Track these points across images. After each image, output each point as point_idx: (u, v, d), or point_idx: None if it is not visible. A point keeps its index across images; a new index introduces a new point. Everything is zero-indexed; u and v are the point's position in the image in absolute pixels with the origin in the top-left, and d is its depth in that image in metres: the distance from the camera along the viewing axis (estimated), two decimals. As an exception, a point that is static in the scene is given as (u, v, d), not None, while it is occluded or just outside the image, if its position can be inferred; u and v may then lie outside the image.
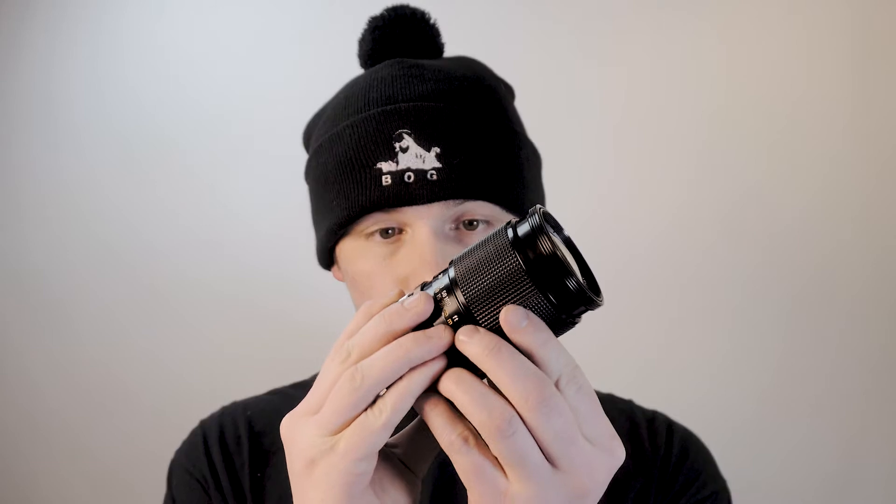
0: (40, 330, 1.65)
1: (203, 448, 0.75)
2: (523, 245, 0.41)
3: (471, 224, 0.64)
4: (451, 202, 0.62)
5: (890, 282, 1.45)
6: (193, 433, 0.79)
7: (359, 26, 0.76)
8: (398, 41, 0.72)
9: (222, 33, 1.63)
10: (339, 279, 0.73)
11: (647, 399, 0.84)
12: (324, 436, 0.42)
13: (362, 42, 0.75)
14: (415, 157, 0.62)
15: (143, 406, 1.62)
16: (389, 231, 0.63)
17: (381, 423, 0.41)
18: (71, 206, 1.64)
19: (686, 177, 1.50)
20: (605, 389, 0.81)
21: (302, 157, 0.79)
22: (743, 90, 1.49)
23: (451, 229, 0.63)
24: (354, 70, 0.78)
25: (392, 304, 0.44)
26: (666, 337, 1.50)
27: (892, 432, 1.45)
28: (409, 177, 0.61)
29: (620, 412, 0.77)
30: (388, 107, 0.64)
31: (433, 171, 0.61)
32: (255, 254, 1.60)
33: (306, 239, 0.79)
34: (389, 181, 0.61)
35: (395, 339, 0.42)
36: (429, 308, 0.42)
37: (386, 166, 0.62)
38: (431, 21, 0.74)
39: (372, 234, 0.64)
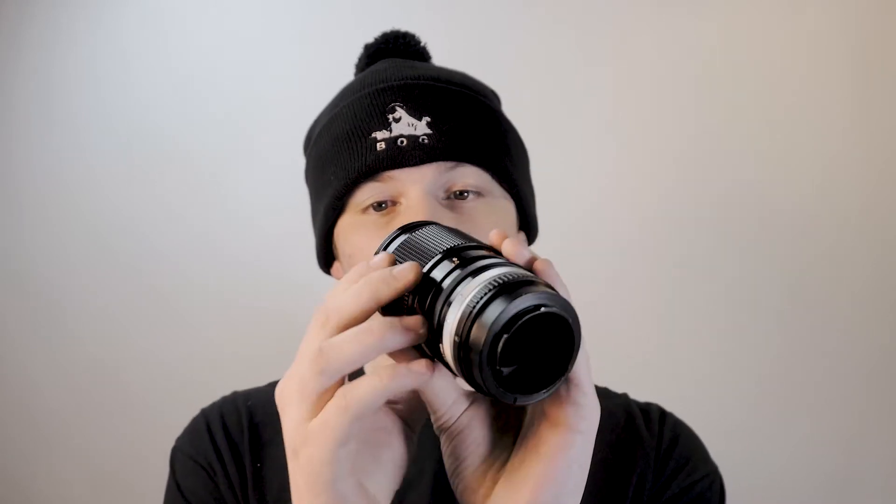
0: (40, 330, 1.65)
1: (207, 435, 0.75)
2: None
3: (461, 194, 0.67)
4: (442, 165, 0.66)
5: (889, 279, 1.45)
6: (195, 421, 0.79)
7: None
8: (390, 55, 0.78)
9: (223, 32, 1.63)
10: (339, 279, 0.74)
11: (645, 398, 0.84)
12: (301, 422, 0.42)
13: (358, 63, 0.81)
14: (407, 125, 0.66)
15: (144, 406, 1.62)
16: (384, 205, 0.66)
17: (348, 419, 0.41)
18: (71, 206, 1.65)
19: (684, 175, 1.50)
20: (601, 384, 0.81)
21: (303, 155, 0.80)
22: (741, 88, 1.49)
23: (443, 198, 0.66)
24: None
25: (382, 268, 0.44)
26: (663, 335, 1.50)
27: (892, 432, 1.45)
28: (401, 142, 0.65)
29: (617, 405, 0.78)
30: (381, 85, 0.70)
31: (424, 137, 0.66)
32: (256, 254, 1.60)
33: (308, 238, 0.79)
34: (384, 146, 0.66)
35: (378, 305, 0.42)
36: (417, 280, 0.43)
37: (380, 135, 0.66)
38: (422, 44, 0.80)
39: (366, 209, 0.67)
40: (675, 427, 0.77)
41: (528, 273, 0.41)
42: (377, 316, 0.43)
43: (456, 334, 0.39)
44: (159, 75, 1.64)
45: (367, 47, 0.79)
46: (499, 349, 0.37)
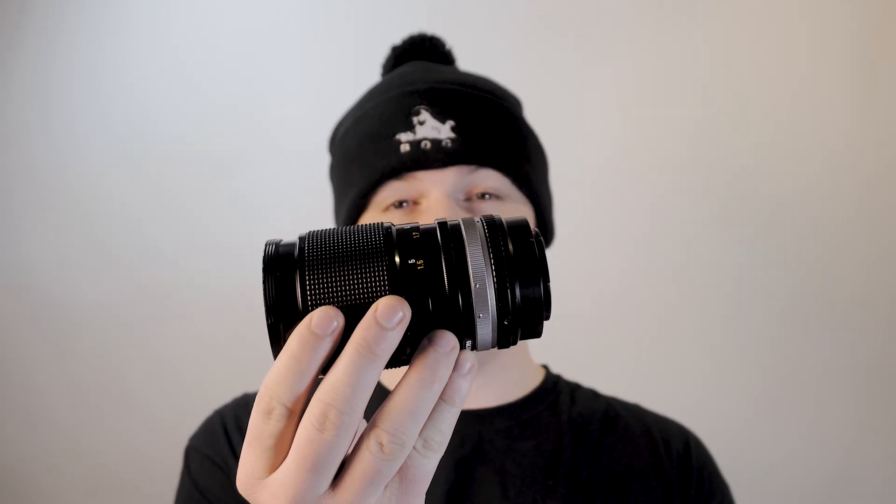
0: (40, 330, 1.65)
1: (224, 435, 0.75)
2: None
3: (482, 196, 0.68)
4: (464, 168, 0.67)
5: (888, 279, 1.45)
6: (210, 421, 0.79)
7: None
8: (417, 57, 0.80)
9: (224, 32, 1.62)
10: None
11: (646, 397, 0.84)
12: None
13: (385, 65, 0.82)
14: (431, 128, 0.68)
15: (145, 407, 1.62)
16: (405, 203, 0.68)
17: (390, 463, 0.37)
18: (71, 206, 1.64)
19: (684, 176, 1.50)
20: (609, 392, 0.81)
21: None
22: (741, 89, 1.49)
23: (463, 200, 0.68)
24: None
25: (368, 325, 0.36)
26: (663, 335, 1.50)
27: (892, 432, 1.45)
28: (425, 144, 0.67)
29: (632, 414, 0.78)
30: (408, 88, 0.72)
31: (448, 140, 0.68)
32: (257, 254, 1.59)
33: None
34: (408, 148, 0.67)
35: (378, 367, 0.36)
36: (407, 313, 0.36)
37: (404, 136, 0.68)
38: (447, 47, 0.82)
39: (388, 207, 0.68)
40: (689, 442, 0.76)
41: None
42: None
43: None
44: (159, 75, 1.63)
45: (395, 49, 0.81)
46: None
